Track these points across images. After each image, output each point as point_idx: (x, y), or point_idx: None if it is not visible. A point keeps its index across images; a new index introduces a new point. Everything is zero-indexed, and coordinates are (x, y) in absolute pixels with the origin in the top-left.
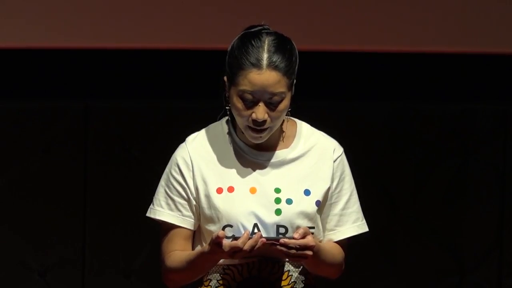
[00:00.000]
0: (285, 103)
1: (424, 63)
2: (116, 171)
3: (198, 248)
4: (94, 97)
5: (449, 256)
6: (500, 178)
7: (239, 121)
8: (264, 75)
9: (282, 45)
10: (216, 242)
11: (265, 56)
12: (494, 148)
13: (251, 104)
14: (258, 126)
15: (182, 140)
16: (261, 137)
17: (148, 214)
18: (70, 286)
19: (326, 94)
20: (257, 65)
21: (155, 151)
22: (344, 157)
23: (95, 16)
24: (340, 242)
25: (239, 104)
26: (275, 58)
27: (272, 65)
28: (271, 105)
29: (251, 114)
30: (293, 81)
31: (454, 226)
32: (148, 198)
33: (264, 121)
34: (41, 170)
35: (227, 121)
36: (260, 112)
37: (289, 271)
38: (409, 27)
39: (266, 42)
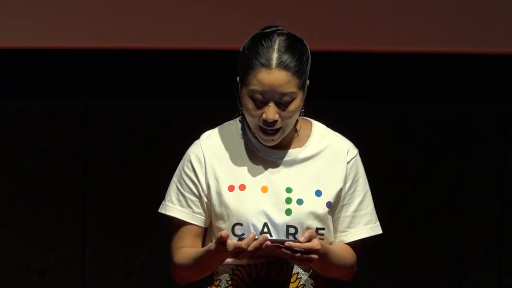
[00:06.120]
0: (296, 104)
1: (424, 63)
2: (116, 171)
3: (206, 246)
4: (94, 97)
5: (449, 256)
6: (500, 178)
7: (251, 121)
8: (273, 74)
9: (293, 45)
10: (221, 242)
11: (274, 56)
12: (494, 148)
13: (261, 105)
14: (268, 126)
15: (183, 140)
16: (273, 140)
17: (159, 210)
18: (70, 286)
19: (325, 94)
20: (267, 65)
21: (155, 151)
22: (358, 158)
23: (95, 16)
24: (352, 244)
25: (249, 104)
26: (285, 57)
27: (281, 65)
28: (282, 105)
29: (261, 115)
30: (305, 81)
31: (454, 226)
32: (148, 198)
33: (275, 122)
34: (41, 170)
35: (241, 120)
36: (270, 112)
37: (298, 273)
38: (409, 27)
39: (277, 42)
